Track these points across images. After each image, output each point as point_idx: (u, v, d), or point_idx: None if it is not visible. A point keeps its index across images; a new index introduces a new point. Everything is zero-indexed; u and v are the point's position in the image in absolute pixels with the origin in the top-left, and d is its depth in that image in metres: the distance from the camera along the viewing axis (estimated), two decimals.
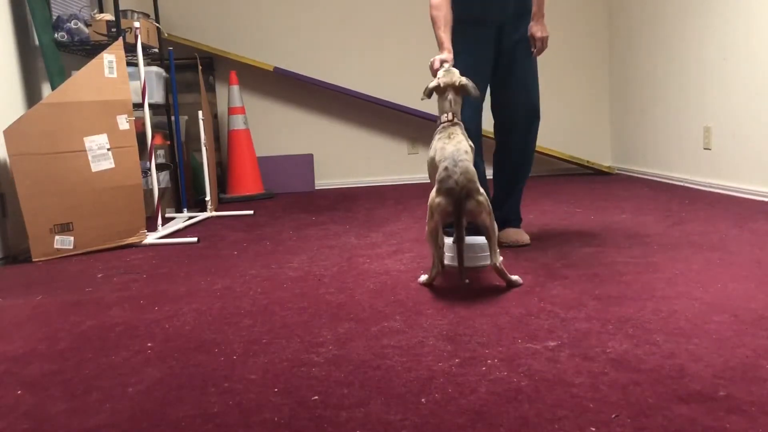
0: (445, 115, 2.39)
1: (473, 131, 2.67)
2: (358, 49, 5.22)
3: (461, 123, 2.39)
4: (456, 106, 2.41)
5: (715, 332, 1.66)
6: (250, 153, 4.81)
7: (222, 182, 4.95)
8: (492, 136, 2.88)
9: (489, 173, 2.80)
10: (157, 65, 4.17)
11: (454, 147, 2.19)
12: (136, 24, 3.48)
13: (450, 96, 2.41)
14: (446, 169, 2.11)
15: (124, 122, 3.17)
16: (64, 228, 3.03)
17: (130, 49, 3.51)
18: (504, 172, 2.83)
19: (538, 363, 1.52)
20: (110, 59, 3.16)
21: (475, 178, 2.12)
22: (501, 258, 2.18)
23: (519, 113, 2.75)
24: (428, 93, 2.45)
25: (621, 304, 1.92)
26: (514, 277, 2.20)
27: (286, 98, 5.22)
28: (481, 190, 2.13)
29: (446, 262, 2.50)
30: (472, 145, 2.32)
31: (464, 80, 2.39)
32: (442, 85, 2.41)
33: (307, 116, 5.25)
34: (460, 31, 2.64)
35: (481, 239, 2.53)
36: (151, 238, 3.24)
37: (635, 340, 1.63)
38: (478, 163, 2.72)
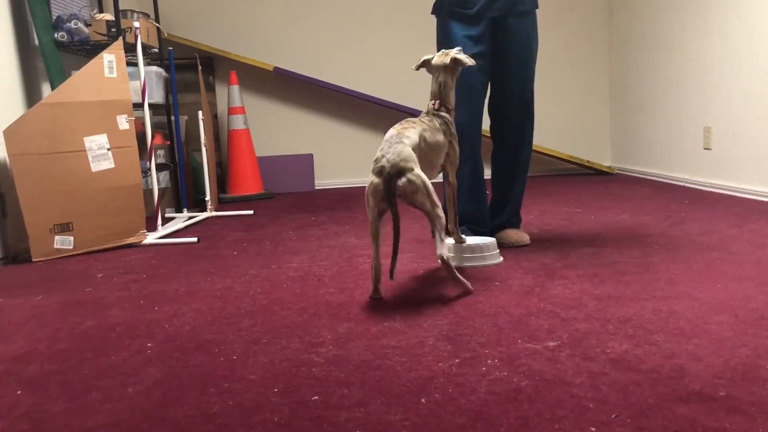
0: (431, 102, 2.38)
1: (473, 132, 2.67)
2: (357, 48, 5.22)
3: (445, 114, 2.35)
4: (446, 91, 2.37)
5: (715, 332, 1.66)
6: (250, 153, 4.81)
7: (222, 182, 4.95)
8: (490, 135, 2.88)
9: (487, 173, 2.81)
10: (157, 65, 4.17)
11: (396, 131, 2.14)
12: (136, 24, 3.47)
13: (440, 78, 2.37)
14: (381, 149, 2.07)
15: (124, 122, 3.17)
16: (64, 228, 3.03)
17: (130, 49, 3.51)
18: (501, 173, 2.82)
19: (538, 363, 1.52)
20: (110, 59, 3.16)
21: (410, 158, 2.03)
22: (449, 253, 2.06)
23: (512, 114, 2.73)
24: (418, 66, 2.42)
25: (621, 304, 1.92)
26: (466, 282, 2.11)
27: (286, 98, 5.22)
28: (417, 171, 2.03)
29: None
30: (437, 139, 2.25)
31: (457, 54, 2.35)
32: (433, 64, 2.38)
33: (307, 116, 5.25)
34: (455, 27, 2.63)
35: (485, 239, 2.54)
36: (151, 238, 3.24)
37: (635, 340, 1.63)
38: (479, 164, 2.72)
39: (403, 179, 2.00)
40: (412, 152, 2.07)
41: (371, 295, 2.12)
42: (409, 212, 2.06)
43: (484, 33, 2.64)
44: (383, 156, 2.04)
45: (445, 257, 2.04)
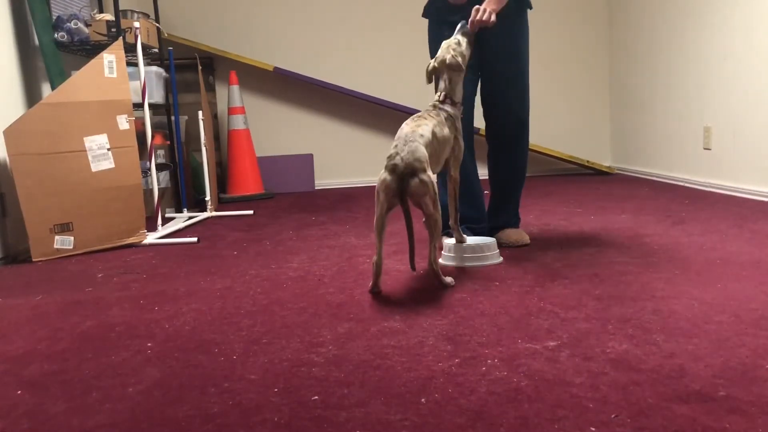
0: (437, 94, 2.39)
1: (466, 132, 2.66)
2: (357, 49, 5.22)
3: (450, 107, 2.36)
4: (452, 86, 2.39)
5: (715, 332, 1.66)
6: (250, 153, 4.81)
7: (222, 182, 4.95)
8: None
9: (484, 173, 2.79)
10: (157, 65, 4.17)
11: (410, 128, 2.17)
12: (136, 24, 3.48)
13: (445, 74, 2.40)
14: (395, 147, 2.10)
15: (124, 122, 3.17)
16: (64, 228, 3.03)
17: (130, 49, 3.51)
18: (499, 175, 2.81)
19: (538, 363, 1.52)
20: (110, 59, 3.16)
21: (423, 159, 2.07)
22: (439, 260, 2.13)
23: (506, 120, 2.72)
24: (429, 77, 2.44)
25: (621, 304, 1.92)
26: (448, 279, 2.19)
27: (286, 98, 5.22)
28: (429, 172, 2.08)
29: (442, 261, 2.51)
30: (444, 133, 2.28)
31: (450, 58, 2.36)
32: (437, 64, 2.40)
33: (307, 116, 5.25)
34: (441, 32, 2.61)
35: (485, 239, 2.54)
36: (151, 238, 3.24)
37: (635, 340, 1.63)
38: (468, 165, 2.71)
39: (416, 180, 2.05)
40: (425, 152, 2.11)
41: (371, 289, 2.15)
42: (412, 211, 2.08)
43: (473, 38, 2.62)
44: (397, 153, 2.07)
45: (434, 266, 2.13)
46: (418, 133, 2.15)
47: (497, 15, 2.51)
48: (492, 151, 2.80)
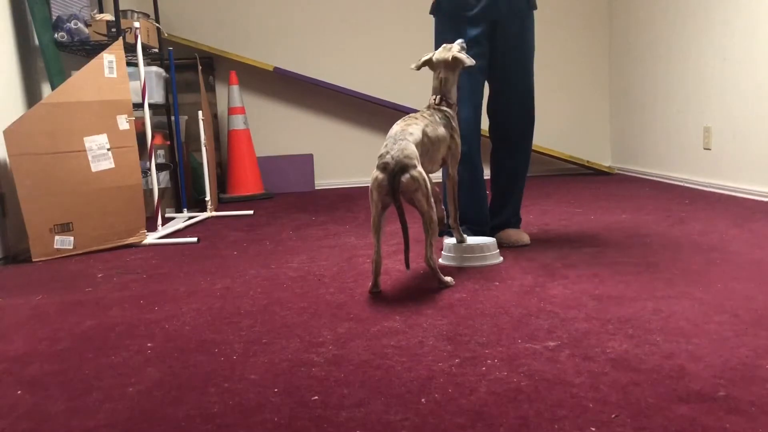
0: (432, 97, 2.40)
1: (472, 132, 2.67)
2: (357, 49, 5.22)
3: (447, 108, 2.38)
4: (447, 86, 2.40)
5: (715, 332, 1.66)
6: (250, 153, 4.81)
7: (222, 182, 4.95)
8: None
9: (486, 173, 2.80)
10: (157, 65, 4.17)
11: (400, 128, 2.20)
12: (136, 24, 3.48)
13: (441, 74, 2.41)
14: (386, 146, 2.12)
15: (124, 122, 3.17)
16: (64, 228, 3.03)
17: (130, 49, 3.51)
18: (502, 174, 2.82)
19: (538, 363, 1.52)
20: (110, 59, 3.16)
21: (413, 156, 2.09)
22: (437, 258, 2.13)
23: (514, 117, 2.73)
24: (419, 66, 2.45)
25: (621, 304, 1.92)
26: (448, 278, 2.20)
27: (286, 98, 5.22)
28: (420, 168, 2.10)
29: (442, 261, 2.51)
30: (438, 133, 2.30)
31: (458, 53, 2.37)
32: (434, 60, 2.41)
33: (307, 116, 5.25)
34: (453, 28, 2.63)
35: (485, 239, 2.54)
36: (151, 238, 3.24)
37: (635, 340, 1.63)
38: (477, 164, 2.72)
39: (407, 176, 2.07)
40: (415, 149, 2.13)
41: (371, 288, 2.16)
42: (406, 212, 2.08)
43: (483, 34, 2.64)
44: (387, 152, 2.10)
45: (431, 263, 2.14)
46: (407, 131, 2.17)
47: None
48: (496, 151, 2.81)
